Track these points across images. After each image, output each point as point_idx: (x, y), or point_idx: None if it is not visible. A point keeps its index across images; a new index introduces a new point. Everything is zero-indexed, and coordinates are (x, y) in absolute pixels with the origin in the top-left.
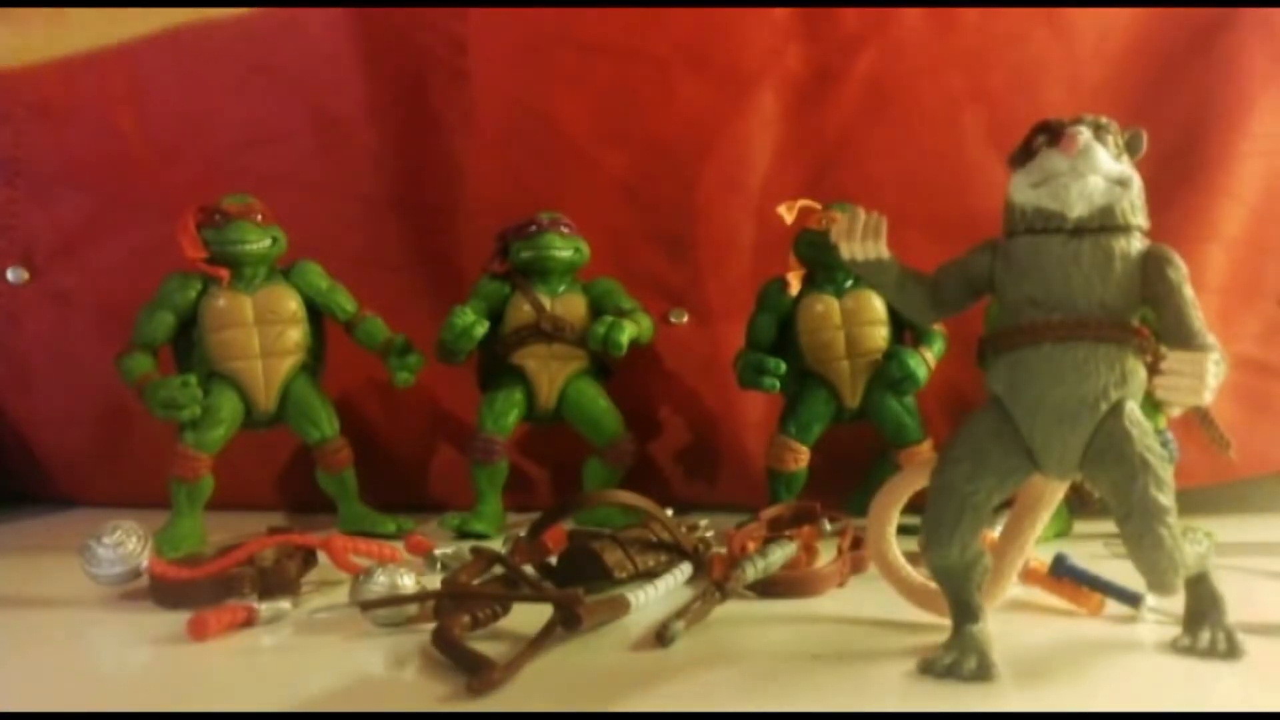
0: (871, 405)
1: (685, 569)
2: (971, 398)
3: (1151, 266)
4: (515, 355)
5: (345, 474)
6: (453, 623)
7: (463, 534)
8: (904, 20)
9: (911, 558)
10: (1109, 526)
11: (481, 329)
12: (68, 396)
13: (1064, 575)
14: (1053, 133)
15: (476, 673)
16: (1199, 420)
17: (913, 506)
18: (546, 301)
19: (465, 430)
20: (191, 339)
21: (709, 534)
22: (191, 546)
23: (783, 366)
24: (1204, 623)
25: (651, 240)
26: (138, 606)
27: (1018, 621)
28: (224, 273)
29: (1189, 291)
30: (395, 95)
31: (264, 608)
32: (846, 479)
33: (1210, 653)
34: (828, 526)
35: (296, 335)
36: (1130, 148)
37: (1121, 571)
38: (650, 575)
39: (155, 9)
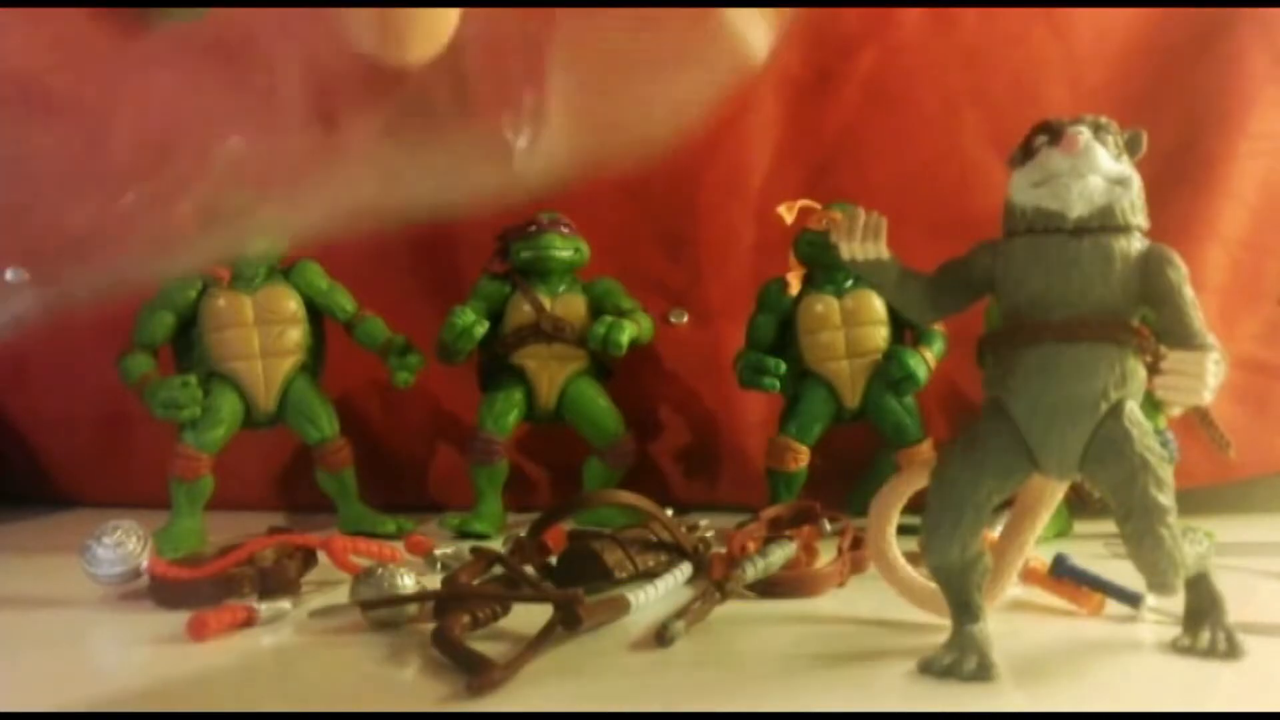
0: (871, 405)
1: (685, 569)
2: (971, 398)
3: (1151, 267)
4: (515, 355)
5: (345, 474)
6: (453, 623)
7: (463, 534)
8: (904, 20)
9: (911, 558)
10: (1109, 526)
11: (481, 329)
12: (68, 397)
13: (1064, 575)
14: (1053, 133)
15: (476, 673)
16: (1199, 420)
17: (913, 506)
18: (546, 301)
19: (465, 430)
20: (191, 339)
21: (709, 534)
22: (191, 546)
23: (783, 366)
24: (1204, 623)
25: (651, 240)
26: (138, 606)
27: (1018, 621)
28: (224, 273)
29: (1189, 291)
30: (394, 94)
31: (264, 608)
32: (846, 479)
33: (1210, 653)
34: (828, 526)
35: (296, 335)
36: (1130, 148)
37: (1121, 571)
38: (650, 575)
39: None
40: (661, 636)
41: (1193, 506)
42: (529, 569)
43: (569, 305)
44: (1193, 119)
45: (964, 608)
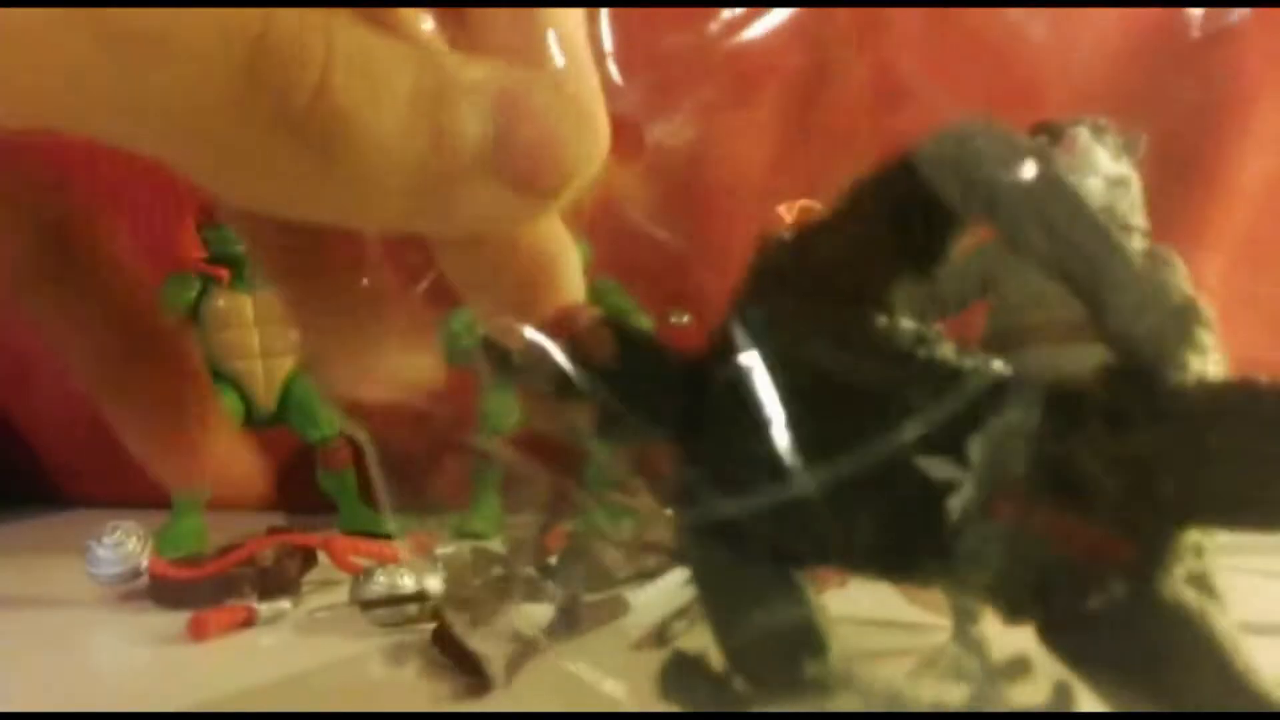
0: None
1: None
2: None
3: (1151, 267)
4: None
5: (345, 474)
6: (453, 623)
7: (462, 534)
8: (904, 20)
9: None
10: None
11: (481, 329)
12: (68, 396)
13: None
14: (1051, 133)
15: (476, 673)
16: None
17: None
18: None
19: (466, 430)
20: (192, 339)
21: None
22: (191, 546)
23: None
24: None
25: (651, 240)
26: (138, 606)
27: None
28: (224, 273)
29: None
30: None
31: (264, 608)
32: None
33: None
34: None
35: (296, 335)
36: (1129, 149)
37: None
38: (650, 575)
39: None
40: (661, 636)
41: None
42: (529, 569)
43: None
44: (1193, 119)
45: (965, 608)
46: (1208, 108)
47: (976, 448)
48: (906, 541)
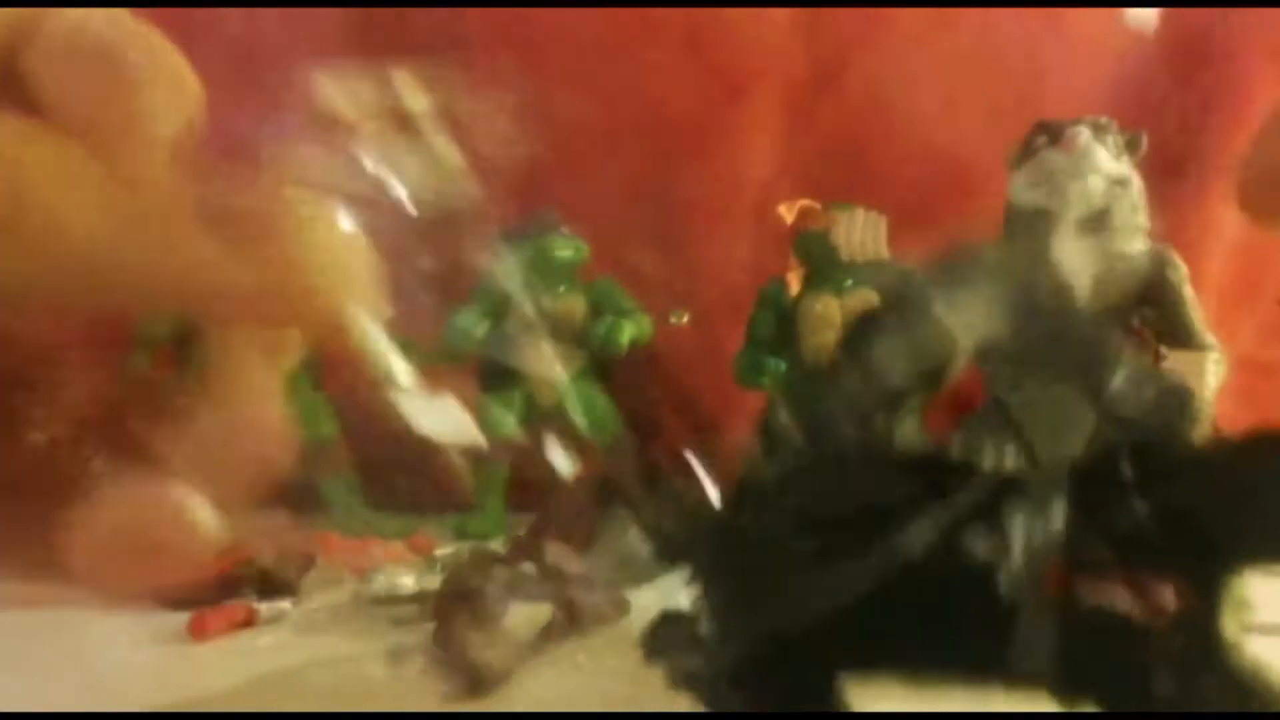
0: None
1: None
2: (972, 398)
3: (1152, 267)
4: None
5: (345, 474)
6: (453, 623)
7: (463, 534)
8: (904, 20)
9: None
10: None
11: (482, 330)
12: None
13: None
14: (1052, 133)
15: (475, 673)
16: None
17: None
18: (546, 302)
19: None
20: (192, 339)
21: None
22: None
23: (783, 366)
24: None
25: (651, 240)
26: (138, 606)
27: None
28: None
29: (1189, 292)
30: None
31: (264, 608)
32: None
33: None
34: None
35: (296, 333)
36: (1130, 148)
37: None
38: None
39: None
40: None
41: None
42: (529, 568)
43: (569, 305)
44: (1193, 119)
45: None
46: (1208, 107)
47: (1014, 524)
48: (962, 638)
